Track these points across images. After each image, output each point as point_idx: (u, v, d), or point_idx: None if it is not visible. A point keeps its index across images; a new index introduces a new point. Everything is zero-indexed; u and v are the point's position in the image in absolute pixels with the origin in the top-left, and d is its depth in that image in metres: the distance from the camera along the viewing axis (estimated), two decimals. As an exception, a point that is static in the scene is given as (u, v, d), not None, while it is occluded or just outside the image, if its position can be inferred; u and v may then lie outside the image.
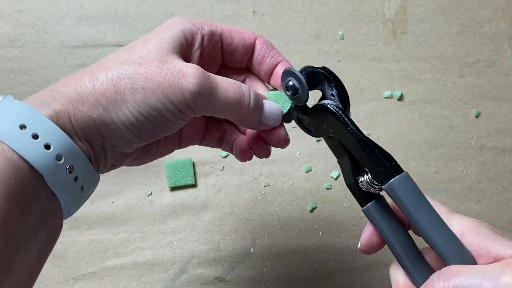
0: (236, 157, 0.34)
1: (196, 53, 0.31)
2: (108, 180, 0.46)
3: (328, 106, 0.31)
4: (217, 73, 0.32)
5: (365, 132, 0.47)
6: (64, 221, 0.43)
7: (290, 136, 0.47)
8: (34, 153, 0.24)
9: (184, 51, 0.30)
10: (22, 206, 0.24)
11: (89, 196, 0.28)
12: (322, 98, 0.32)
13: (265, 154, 0.34)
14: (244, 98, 0.29)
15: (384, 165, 0.28)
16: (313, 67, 0.31)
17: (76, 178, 0.26)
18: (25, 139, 0.24)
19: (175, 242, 0.45)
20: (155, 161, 0.46)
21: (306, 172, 0.46)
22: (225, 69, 0.34)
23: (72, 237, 0.45)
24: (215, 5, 0.50)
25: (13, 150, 0.24)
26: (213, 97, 0.28)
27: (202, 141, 0.35)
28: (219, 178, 0.46)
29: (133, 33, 0.49)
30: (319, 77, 0.31)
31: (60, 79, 0.49)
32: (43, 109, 0.26)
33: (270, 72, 0.33)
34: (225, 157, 0.47)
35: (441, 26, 0.50)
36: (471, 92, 0.48)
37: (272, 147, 0.33)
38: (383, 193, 0.31)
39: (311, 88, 0.32)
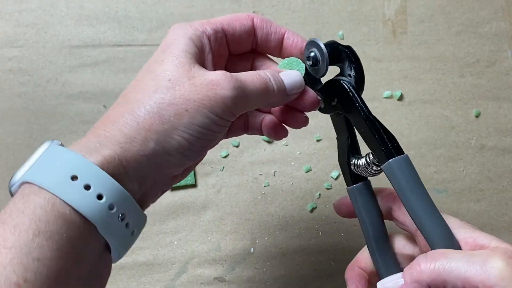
0: (270, 137, 0.35)
1: (209, 56, 0.31)
2: (108, 180, 0.46)
3: (341, 82, 0.32)
4: (227, 65, 0.34)
5: (365, 132, 0.47)
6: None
7: (290, 136, 0.47)
8: (87, 205, 0.24)
9: (199, 58, 0.30)
10: (74, 260, 0.24)
11: (137, 238, 0.28)
12: (338, 75, 0.33)
13: (303, 121, 0.34)
14: (268, 83, 0.30)
15: (386, 144, 0.29)
16: (338, 43, 0.32)
17: (127, 225, 0.26)
18: (78, 191, 0.24)
19: (175, 242, 0.45)
20: (155, 161, 0.46)
21: (306, 172, 0.46)
22: (232, 58, 0.34)
23: (72, 237, 0.45)
24: (215, 5, 0.50)
25: (66, 203, 0.23)
26: (247, 95, 0.29)
27: (229, 134, 0.35)
28: (219, 178, 0.46)
29: (133, 33, 0.49)
30: (341, 54, 0.32)
31: (60, 79, 0.49)
32: (92, 157, 0.25)
33: (279, 46, 0.34)
34: (225, 157, 0.47)
35: (441, 26, 0.50)
36: (471, 92, 0.48)
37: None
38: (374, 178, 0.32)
39: (332, 63, 0.32)
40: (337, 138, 0.35)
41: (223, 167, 0.46)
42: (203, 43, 0.30)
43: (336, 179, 0.46)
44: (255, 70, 0.33)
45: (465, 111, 0.48)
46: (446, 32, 0.50)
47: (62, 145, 0.27)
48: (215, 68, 0.32)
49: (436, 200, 0.47)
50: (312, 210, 0.46)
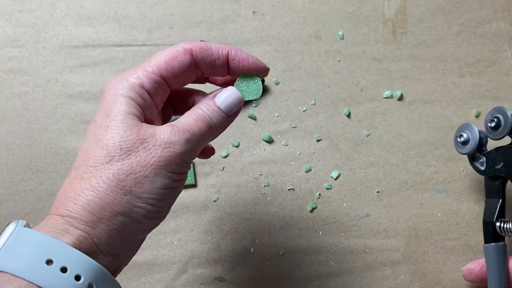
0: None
1: (153, 110, 0.31)
2: (108, 180, 0.46)
3: None
4: (172, 100, 0.34)
5: (364, 132, 0.47)
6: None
7: (290, 136, 0.47)
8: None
9: (144, 115, 0.30)
10: None
11: None
12: (511, 144, 0.40)
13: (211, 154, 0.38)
14: (210, 121, 0.31)
15: None
16: None
17: None
18: (55, 275, 0.24)
19: (175, 242, 0.45)
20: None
21: (306, 172, 0.46)
22: (175, 93, 0.35)
23: (72, 237, 0.45)
24: (215, 5, 0.50)
25: None
26: (198, 142, 0.29)
27: None
28: (219, 178, 0.46)
29: (133, 33, 0.49)
30: None
31: (60, 79, 0.49)
32: (64, 238, 0.25)
33: (226, 68, 0.33)
34: (225, 157, 0.47)
35: (441, 26, 0.50)
36: (471, 92, 0.48)
37: None
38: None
39: (510, 132, 0.38)
40: (486, 200, 0.41)
41: (223, 167, 0.46)
42: (144, 98, 0.30)
43: (336, 179, 0.46)
44: (195, 97, 0.33)
45: (465, 111, 0.48)
46: (446, 32, 0.50)
47: (28, 225, 0.26)
48: (162, 115, 0.32)
49: (436, 200, 0.47)
50: (312, 210, 0.46)
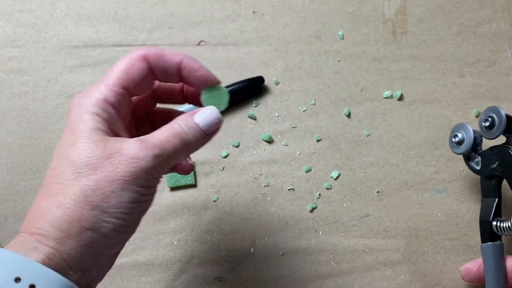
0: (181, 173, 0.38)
1: (119, 123, 0.31)
2: (108, 180, 0.46)
3: (510, 150, 0.38)
4: (140, 111, 0.34)
5: (365, 132, 0.47)
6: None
7: (290, 136, 0.47)
8: None
9: (110, 129, 0.30)
10: None
11: None
12: (505, 143, 0.39)
13: (189, 169, 0.38)
14: (184, 136, 0.30)
15: None
16: None
17: None
18: None
19: (175, 242, 0.45)
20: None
21: (306, 172, 0.46)
22: (140, 101, 0.35)
23: (72, 237, 0.45)
24: (215, 5, 0.50)
25: None
26: (168, 158, 0.29)
27: None
28: (219, 178, 0.46)
29: (133, 33, 0.49)
30: None
31: (60, 79, 0.49)
32: (33, 255, 0.25)
33: (177, 78, 0.33)
34: (225, 157, 0.47)
35: (441, 26, 0.50)
36: (471, 92, 0.48)
37: None
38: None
39: (506, 131, 0.38)
40: (482, 200, 0.41)
41: (223, 167, 0.46)
42: (109, 112, 0.30)
43: (336, 179, 0.46)
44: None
45: (465, 111, 0.48)
46: (446, 32, 0.50)
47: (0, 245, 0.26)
48: (129, 129, 0.32)
49: (436, 200, 0.47)
50: (312, 210, 0.46)
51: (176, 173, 0.45)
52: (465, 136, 0.40)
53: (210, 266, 0.44)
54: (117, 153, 0.28)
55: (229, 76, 0.48)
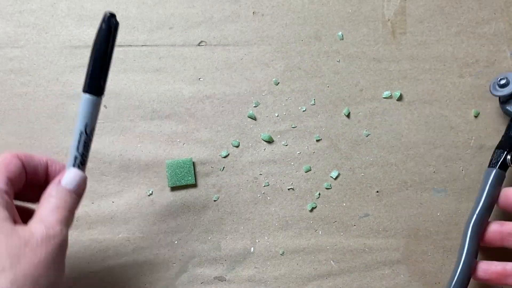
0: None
1: (14, 209, 0.34)
2: (108, 180, 0.46)
3: None
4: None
5: (364, 132, 0.47)
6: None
7: (290, 136, 0.47)
8: None
9: (11, 211, 0.33)
10: None
11: None
12: None
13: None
14: (65, 204, 0.34)
15: None
16: None
17: None
18: None
19: (175, 242, 0.45)
20: (155, 160, 0.47)
21: (306, 172, 0.46)
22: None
23: (73, 237, 0.45)
24: (215, 5, 0.50)
25: None
26: (67, 221, 0.34)
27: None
28: (219, 178, 0.46)
29: (133, 33, 0.49)
30: None
31: (61, 79, 0.49)
32: None
33: (44, 178, 0.37)
34: (225, 157, 0.47)
35: (440, 27, 0.50)
36: (470, 92, 0.48)
37: None
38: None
39: None
40: (504, 134, 0.45)
41: (223, 167, 0.47)
42: (6, 200, 0.32)
43: (335, 179, 0.47)
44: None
45: (464, 111, 0.48)
46: (445, 32, 0.50)
47: None
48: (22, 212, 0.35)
49: (435, 200, 0.47)
50: (312, 210, 0.46)
51: (176, 173, 0.46)
52: (510, 81, 0.44)
53: (210, 265, 0.44)
54: (31, 238, 0.31)
55: (229, 77, 0.48)
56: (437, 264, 0.45)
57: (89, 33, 0.49)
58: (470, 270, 0.40)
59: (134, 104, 0.48)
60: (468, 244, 0.40)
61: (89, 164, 0.46)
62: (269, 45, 0.49)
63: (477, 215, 0.41)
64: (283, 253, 0.45)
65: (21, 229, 0.31)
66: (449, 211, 0.46)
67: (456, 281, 0.40)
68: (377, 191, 0.46)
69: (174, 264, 0.45)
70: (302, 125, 0.48)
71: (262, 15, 0.50)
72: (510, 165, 0.43)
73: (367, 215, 0.46)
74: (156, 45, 0.49)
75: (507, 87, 0.45)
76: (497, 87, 0.45)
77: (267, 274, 0.44)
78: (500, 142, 0.44)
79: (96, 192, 0.46)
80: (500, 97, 0.46)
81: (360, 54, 0.49)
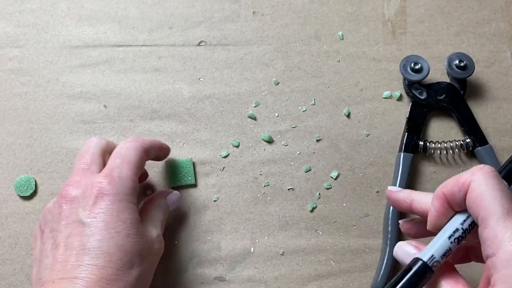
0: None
1: None
2: (108, 180, 0.46)
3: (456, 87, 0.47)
4: None
5: (364, 132, 0.47)
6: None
7: (290, 136, 0.47)
8: None
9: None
10: None
11: None
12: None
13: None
14: (163, 216, 0.41)
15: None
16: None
17: None
18: None
19: (176, 242, 0.45)
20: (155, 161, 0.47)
21: (306, 172, 0.46)
22: None
23: (73, 237, 0.45)
24: (215, 5, 0.50)
25: None
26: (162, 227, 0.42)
27: None
28: (219, 178, 0.46)
29: (133, 33, 0.49)
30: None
31: (60, 79, 0.49)
32: None
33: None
34: (225, 157, 0.47)
35: (440, 27, 0.50)
36: (470, 92, 0.48)
37: None
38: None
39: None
40: (407, 120, 0.47)
41: (223, 167, 0.47)
42: (136, 199, 0.38)
43: (335, 179, 0.46)
44: None
45: (464, 111, 0.48)
46: (445, 32, 0.50)
47: None
48: None
49: (435, 200, 0.47)
50: (312, 210, 0.46)
51: (176, 173, 0.46)
52: (424, 67, 0.45)
53: (210, 265, 0.44)
54: (151, 245, 0.36)
55: (229, 77, 0.48)
56: (437, 264, 0.45)
57: (89, 33, 0.49)
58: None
59: (134, 104, 0.48)
60: (391, 226, 0.43)
61: (89, 164, 0.46)
62: (269, 45, 0.49)
63: None
64: (283, 253, 0.45)
65: (146, 233, 0.36)
66: (449, 211, 0.46)
67: (385, 265, 0.43)
68: (377, 191, 0.46)
69: (174, 264, 0.44)
70: (302, 125, 0.48)
71: (262, 15, 0.50)
72: (423, 151, 0.46)
73: (367, 215, 0.46)
74: (156, 45, 0.49)
75: (421, 73, 0.45)
76: (409, 69, 0.46)
77: (267, 274, 0.44)
78: (406, 126, 0.46)
79: (96, 192, 0.46)
80: (407, 80, 0.46)
81: (360, 54, 0.49)
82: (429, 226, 0.31)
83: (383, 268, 0.43)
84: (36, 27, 0.49)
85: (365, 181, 0.46)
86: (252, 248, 0.45)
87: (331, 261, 0.45)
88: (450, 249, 0.29)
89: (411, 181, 0.46)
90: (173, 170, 0.46)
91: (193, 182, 0.46)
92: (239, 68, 0.49)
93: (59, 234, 0.34)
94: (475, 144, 0.45)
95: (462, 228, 0.29)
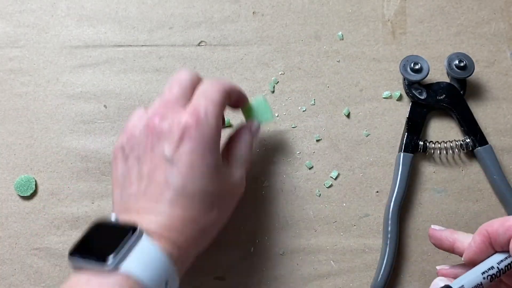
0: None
1: None
2: (108, 180, 0.46)
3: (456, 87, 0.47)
4: None
5: (364, 132, 0.47)
6: (65, 220, 0.44)
7: (290, 136, 0.47)
8: None
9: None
10: None
11: None
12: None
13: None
14: (250, 146, 0.41)
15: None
16: None
17: None
18: None
19: (175, 242, 0.45)
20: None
21: (306, 172, 0.46)
22: None
23: (73, 237, 0.45)
24: (215, 5, 0.50)
25: None
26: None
27: None
28: (219, 178, 0.46)
29: (133, 33, 0.49)
30: None
31: (60, 79, 0.49)
32: (172, 262, 0.31)
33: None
34: (225, 157, 0.47)
35: (440, 27, 0.50)
36: (470, 92, 0.48)
37: None
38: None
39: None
40: (407, 120, 0.47)
41: (223, 167, 0.47)
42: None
43: (335, 179, 0.47)
44: None
45: (464, 111, 0.48)
46: (445, 32, 0.50)
47: (146, 233, 0.31)
48: None
49: (435, 200, 0.47)
50: (312, 210, 0.46)
51: (253, 113, 0.45)
52: (424, 67, 0.45)
53: (210, 265, 0.44)
54: (233, 188, 0.38)
55: (229, 77, 0.48)
56: (437, 264, 0.45)
57: (89, 33, 0.49)
58: (396, 250, 0.43)
59: (134, 104, 0.48)
60: (391, 226, 0.43)
61: (89, 164, 0.46)
62: (269, 45, 0.49)
63: (395, 199, 0.44)
64: (283, 253, 0.45)
65: (230, 173, 0.37)
66: (449, 211, 0.46)
67: (385, 265, 0.43)
68: (377, 191, 0.46)
69: (174, 264, 0.44)
70: (302, 125, 0.48)
71: (262, 15, 0.50)
72: (422, 151, 0.46)
73: (367, 215, 0.46)
74: (156, 45, 0.49)
75: (421, 73, 0.45)
76: (409, 69, 0.46)
77: (267, 274, 0.44)
78: (406, 126, 0.46)
79: (96, 192, 0.46)
80: (407, 80, 0.46)
81: (360, 54, 0.49)
82: (464, 259, 0.32)
83: (383, 268, 0.43)
84: (36, 27, 0.49)
85: (365, 181, 0.46)
86: (252, 248, 0.45)
87: (331, 261, 0.45)
88: (481, 284, 0.30)
89: (411, 181, 0.46)
90: (249, 112, 0.44)
91: (272, 119, 0.44)
92: (239, 68, 0.49)
93: (144, 164, 0.34)
94: (475, 144, 0.45)
95: (498, 267, 0.30)
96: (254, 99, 0.44)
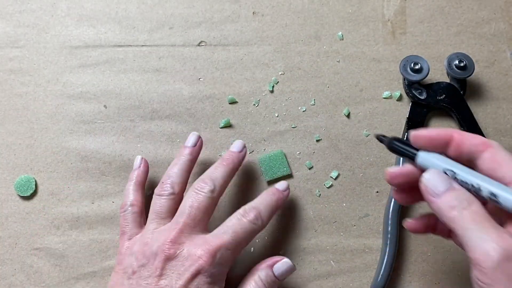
0: None
1: None
2: (108, 180, 0.46)
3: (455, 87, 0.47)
4: None
5: (364, 132, 0.47)
6: (65, 220, 0.44)
7: (290, 136, 0.47)
8: None
9: None
10: None
11: None
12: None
13: None
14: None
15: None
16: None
17: None
18: None
19: (175, 242, 0.45)
20: (155, 160, 0.47)
21: (306, 172, 0.46)
22: None
23: (73, 237, 0.45)
24: (215, 5, 0.50)
25: None
26: None
27: None
28: (219, 178, 0.46)
29: (133, 33, 0.49)
30: None
31: (60, 79, 0.49)
32: None
33: None
34: (225, 157, 0.47)
35: (440, 27, 0.50)
36: (470, 92, 0.48)
37: None
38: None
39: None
40: (407, 120, 0.47)
41: (223, 167, 0.47)
42: None
43: (335, 179, 0.47)
44: None
45: (464, 111, 0.48)
46: (445, 32, 0.50)
47: None
48: None
49: (435, 200, 0.47)
50: (311, 210, 0.46)
51: (271, 166, 0.46)
52: (424, 67, 0.46)
53: (210, 265, 0.44)
54: None
55: (229, 77, 0.48)
56: (437, 264, 0.45)
57: (89, 33, 0.49)
58: (396, 250, 0.44)
59: (134, 104, 0.48)
60: (391, 226, 0.44)
61: (89, 164, 0.46)
62: (269, 45, 0.49)
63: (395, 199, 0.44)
64: (283, 253, 0.45)
65: None
66: (449, 211, 0.46)
67: (384, 265, 0.43)
68: (377, 191, 0.46)
69: (174, 264, 0.44)
70: (302, 125, 0.48)
71: (262, 15, 0.50)
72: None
73: (367, 215, 0.46)
74: (156, 45, 0.49)
75: (421, 73, 0.46)
76: (409, 69, 0.46)
77: (267, 274, 0.44)
78: (406, 126, 0.47)
79: (96, 192, 0.46)
80: (407, 80, 0.46)
81: (360, 54, 0.49)
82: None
83: (383, 268, 0.43)
84: (36, 27, 0.49)
85: (365, 181, 0.46)
86: (252, 248, 0.45)
87: (331, 261, 0.45)
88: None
89: (411, 181, 0.46)
90: (267, 164, 0.46)
91: (288, 172, 0.46)
92: (239, 68, 0.49)
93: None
94: None
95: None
96: (272, 152, 0.46)
